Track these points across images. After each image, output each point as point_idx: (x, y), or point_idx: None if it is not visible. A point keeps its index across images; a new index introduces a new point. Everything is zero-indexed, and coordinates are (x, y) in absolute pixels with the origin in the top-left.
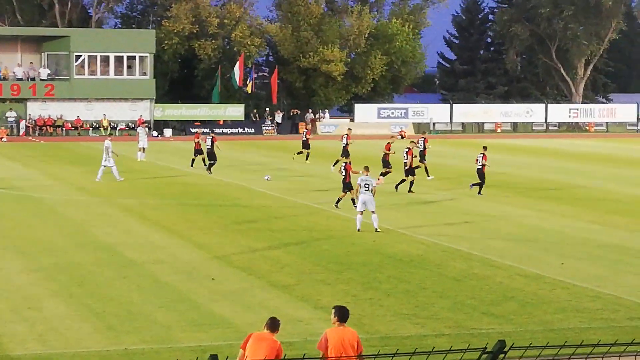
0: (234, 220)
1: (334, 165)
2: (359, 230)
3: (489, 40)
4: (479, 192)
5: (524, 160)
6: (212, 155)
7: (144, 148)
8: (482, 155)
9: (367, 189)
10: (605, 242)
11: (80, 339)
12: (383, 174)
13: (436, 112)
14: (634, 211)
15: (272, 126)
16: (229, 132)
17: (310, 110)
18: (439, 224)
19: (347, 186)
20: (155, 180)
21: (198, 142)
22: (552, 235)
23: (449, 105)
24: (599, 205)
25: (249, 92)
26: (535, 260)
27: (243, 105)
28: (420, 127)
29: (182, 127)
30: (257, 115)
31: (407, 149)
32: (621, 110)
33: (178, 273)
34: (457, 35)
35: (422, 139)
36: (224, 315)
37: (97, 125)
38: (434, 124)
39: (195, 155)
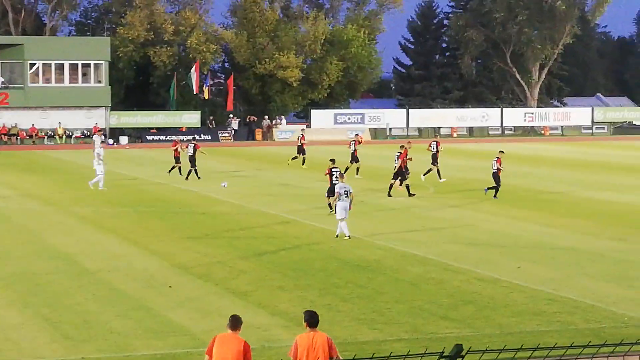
0: (191, 227)
1: (344, 172)
2: (348, 237)
3: (444, 45)
4: (495, 196)
5: (480, 165)
6: (193, 162)
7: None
8: (496, 159)
9: (346, 195)
10: (561, 245)
11: (36, 348)
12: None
13: (392, 118)
14: (589, 214)
15: (228, 133)
16: (184, 139)
17: (266, 117)
18: (396, 229)
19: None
20: (111, 188)
21: (177, 149)
22: (508, 239)
23: (405, 110)
24: (554, 208)
25: (205, 98)
26: (491, 264)
27: (199, 112)
28: (376, 133)
29: (137, 135)
30: (213, 122)
31: (398, 153)
32: (576, 114)
33: (134, 281)
34: (412, 40)
35: (435, 142)
36: (181, 323)
37: (52, 134)
38: (390, 129)
39: (176, 163)
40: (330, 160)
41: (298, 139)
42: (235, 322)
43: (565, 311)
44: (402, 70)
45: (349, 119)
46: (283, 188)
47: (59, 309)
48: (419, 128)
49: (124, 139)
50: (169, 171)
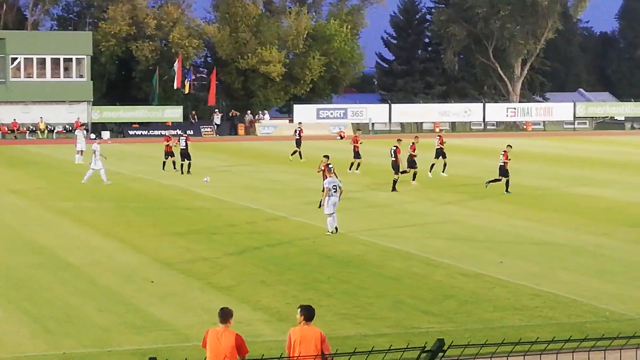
0: (173, 222)
1: (350, 169)
2: (331, 233)
3: (426, 40)
4: (507, 190)
5: (463, 160)
6: (187, 155)
7: (82, 151)
8: (503, 152)
9: (335, 190)
10: (543, 240)
11: (17, 343)
12: (406, 173)
13: (375, 112)
14: (571, 209)
15: (211, 127)
16: (167, 134)
17: (249, 112)
18: (380, 225)
19: None
20: (93, 183)
21: (169, 144)
22: (491, 234)
23: (387, 105)
24: (537, 203)
25: (186, 93)
26: (474, 259)
27: (181, 106)
28: (359, 128)
29: (120, 130)
30: (195, 116)
31: (394, 147)
32: (558, 109)
33: (116, 276)
34: (395, 35)
35: (438, 137)
36: (163, 318)
37: (34, 129)
38: (372, 124)
39: (166, 158)
40: (325, 156)
41: (296, 131)
42: (224, 315)
43: (547, 306)
44: (385, 65)
45: (331, 114)
46: (266, 183)
47: (40, 303)
48: (401, 123)
49: (105, 134)
50: (163, 167)
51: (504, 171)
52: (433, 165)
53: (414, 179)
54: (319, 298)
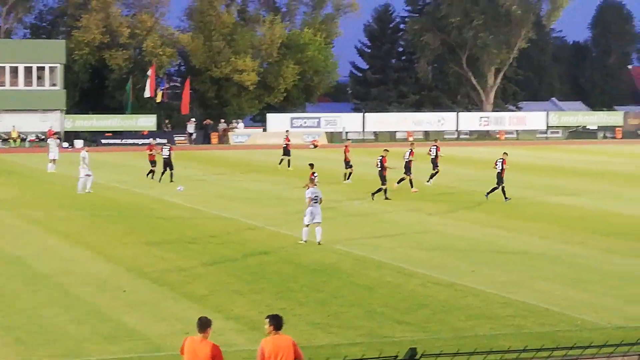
0: (147, 231)
1: (345, 179)
2: (305, 242)
3: (400, 49)
4: (505, 198)
5: (441, 169)
6: (170, 165)
7: (54, 160)
8: (501, 160)
9: (316, 201)
10: (515, 249)
11: None
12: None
13: (349, 121)
14: (545, 218)
15: (185, 136)
16: (140, 143)
17: (222, 120)
18: (355, 235)
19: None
20: (66, 192)
21: (152, 153)
22: (465, 243)
23: (361, 114)
24: (510, 212)
25: (158, 101)
26: (447, 268)
27: (155, 115)
28: (333, 137)
29: (93, 138)
30: (169, 125)
31: (380, 157)
32: (531, 118)
33: (88, 285)
34: (368, 44)
35: (435, 147)
36: (136, 328)
37: (7, 137)
38: (346, 133)
39: (153, 166)
40: (310, 164)
41: (283, 140)
42: (202, 325)
43: (519, 314)
44: (359, 74)
45: (305, 122)
46: (240, 192)
47: (12, 313)
48: (375, 132)
49: (78, 143)
50: (148, 174)
51: (500, 178)
52: (433, 174)
53: (412, 186)
54: (292, 307)
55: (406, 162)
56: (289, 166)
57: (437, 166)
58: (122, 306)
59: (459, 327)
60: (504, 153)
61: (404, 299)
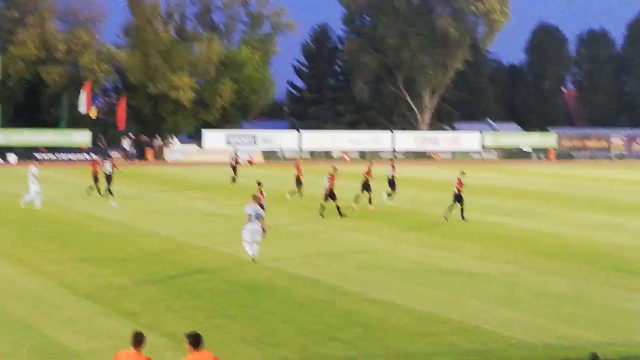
0: (79, 247)
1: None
2: (254, 259)
3: (337, 69)
4: (462, 217)
5: (373, 188)
6: (110, 180)
7: None
8: (457, 179)
9: (256, 217)
10: (450, 269)
11: None
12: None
13: (285, 140)
14: (480, 237)
15: (120, 152)
16: (75, 159)
17: (157, 136)
18: (290, 252)
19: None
20: None
21: (95, 168)
22: (399, 262)
23: (297, 132)
24: (445, 231)
25: (93, 117)
26: (382, 286)
27: (89, 131)
28: (269, 155)
29: (27, 153)
30: (105, 141)
31: (328, 175)
32: (466, 138)
33: (19, 300)
34: (306, 64)
35: (391, 167)
36: (67, 344)
37: None
38: (282, 150)
39: (95, 182)
40: (258, 182)
41: (232, 158)
42: (137, 339)
43: (454, 333)
44: (296, 93)
45: (241, 140)
46: (176, 209)
47: None
48: (311, 151)
49: (11, 157)
50: (98, 191)
51: (459, 198)
52: (389, 194)
53: (370, 203)
54: (224, 324)
55: (365, 180)
56: (234, 181)
57: (394, 187)
58: (53, 322)
59: (392, 345)
60: (462, 172)
61: (338, 317)
